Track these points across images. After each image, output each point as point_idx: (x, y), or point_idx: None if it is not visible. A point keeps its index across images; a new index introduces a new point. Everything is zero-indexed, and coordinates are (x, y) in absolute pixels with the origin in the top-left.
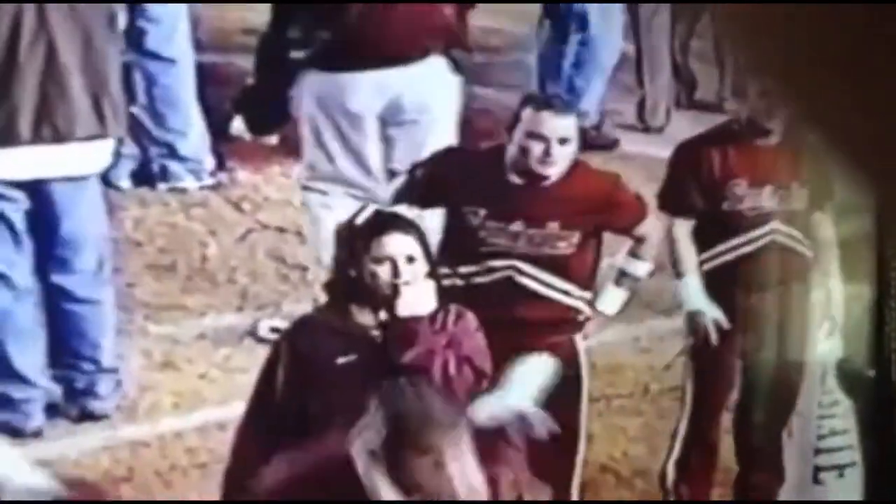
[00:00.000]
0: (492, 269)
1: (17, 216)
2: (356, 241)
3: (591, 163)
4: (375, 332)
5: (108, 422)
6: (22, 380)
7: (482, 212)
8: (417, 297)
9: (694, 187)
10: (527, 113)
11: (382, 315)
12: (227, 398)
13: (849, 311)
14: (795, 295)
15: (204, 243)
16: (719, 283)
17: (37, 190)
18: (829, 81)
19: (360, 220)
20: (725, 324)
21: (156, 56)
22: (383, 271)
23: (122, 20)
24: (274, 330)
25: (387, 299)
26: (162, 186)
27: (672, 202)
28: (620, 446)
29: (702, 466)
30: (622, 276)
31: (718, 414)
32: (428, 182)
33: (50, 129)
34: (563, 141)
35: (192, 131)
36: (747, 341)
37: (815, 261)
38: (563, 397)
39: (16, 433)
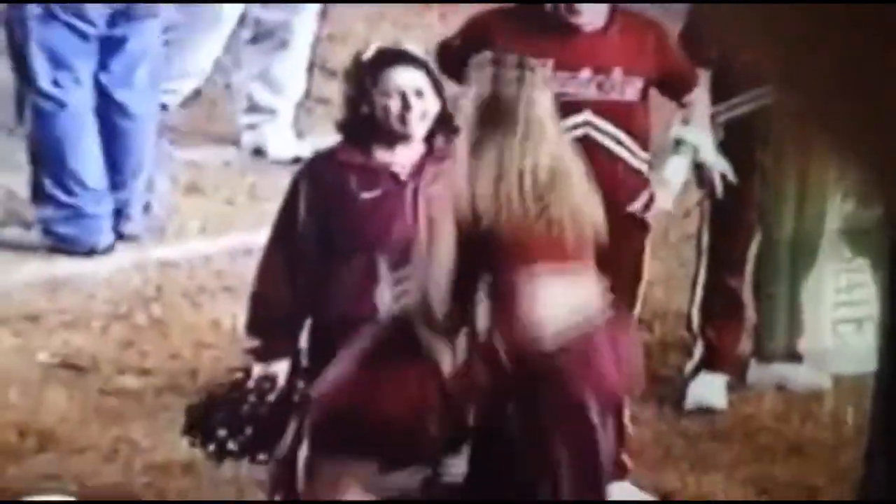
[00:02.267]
0: (568, 129)
1: (94, 39)
2: (364, 77)
3: None
4: (397, 168)
5: (138, 242)
6: (94, 194)
7: (549, 63)
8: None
9: (710, 37)
10: None
11: (400, 151)
12: (254, 225)
13: (861, 297)
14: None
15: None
16: (735, 136)
17: (116, 13)
18: (834, 78)
19: (366, 56)
20: (732, 177)
21: None
22: (394, 105)
23: None
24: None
25: (400, 133)
26: None
27: (690, 51)
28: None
29: (725, 314)
30: (679, 144)
31: (738, 265)
32: (472, 46)
33: None
34: None
35: None
36: (764, 195)
37: None
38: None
39: (91, 251)
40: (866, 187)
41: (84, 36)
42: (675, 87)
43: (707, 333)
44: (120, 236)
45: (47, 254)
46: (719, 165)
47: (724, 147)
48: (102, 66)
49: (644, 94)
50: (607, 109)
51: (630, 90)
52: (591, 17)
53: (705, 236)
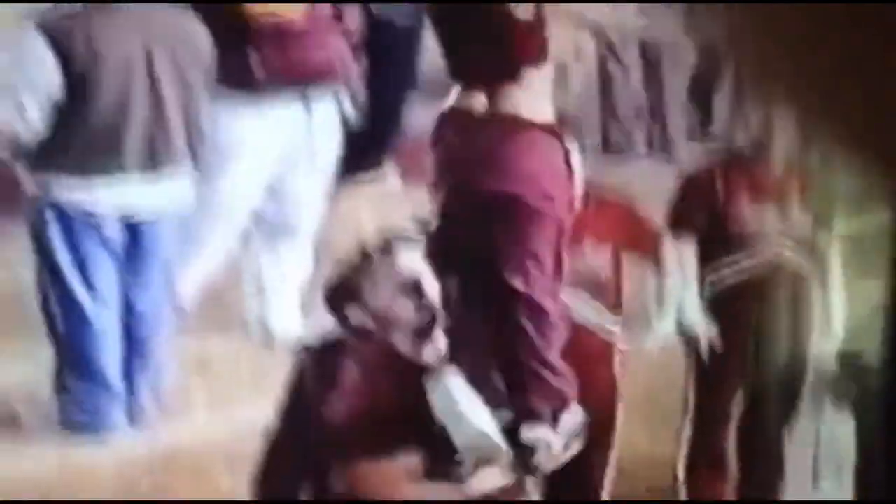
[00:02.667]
0: None
1: (118, 243)
2: (369, 269)
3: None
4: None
5: (146, 423)
6: (109, 382)
7: None
8: None
9: (698, 208)
10: None
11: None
12: (260, 403)
13: (862, 310)
14: (796, 312)
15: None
16: (720, 301)
17: (133, 221)
18: (841, 78)
19: (370, 247)
20: (718, 343)
21: None
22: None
23: None
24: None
25: None
26: None
27: (677, 222)
28: (622, 442)
29: (710, 467)
30: (662, 299)
31: (722, 421)
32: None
33: (153, 167)
34: None
35: None
36: (748, 358)
37: (816, 276)
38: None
39: (101, 435)
40: (868, 190)
41: (106, 244)
42: (645, 249)
43: (691, 484)
44: (130, 419)
45: (58, 437)
46: (704, 329)
47: (711, 307)
48: (120, 270)
49: (615, 260)
50: (578, 280)
51: (599, 260)
52: None
53: (691, 395)
